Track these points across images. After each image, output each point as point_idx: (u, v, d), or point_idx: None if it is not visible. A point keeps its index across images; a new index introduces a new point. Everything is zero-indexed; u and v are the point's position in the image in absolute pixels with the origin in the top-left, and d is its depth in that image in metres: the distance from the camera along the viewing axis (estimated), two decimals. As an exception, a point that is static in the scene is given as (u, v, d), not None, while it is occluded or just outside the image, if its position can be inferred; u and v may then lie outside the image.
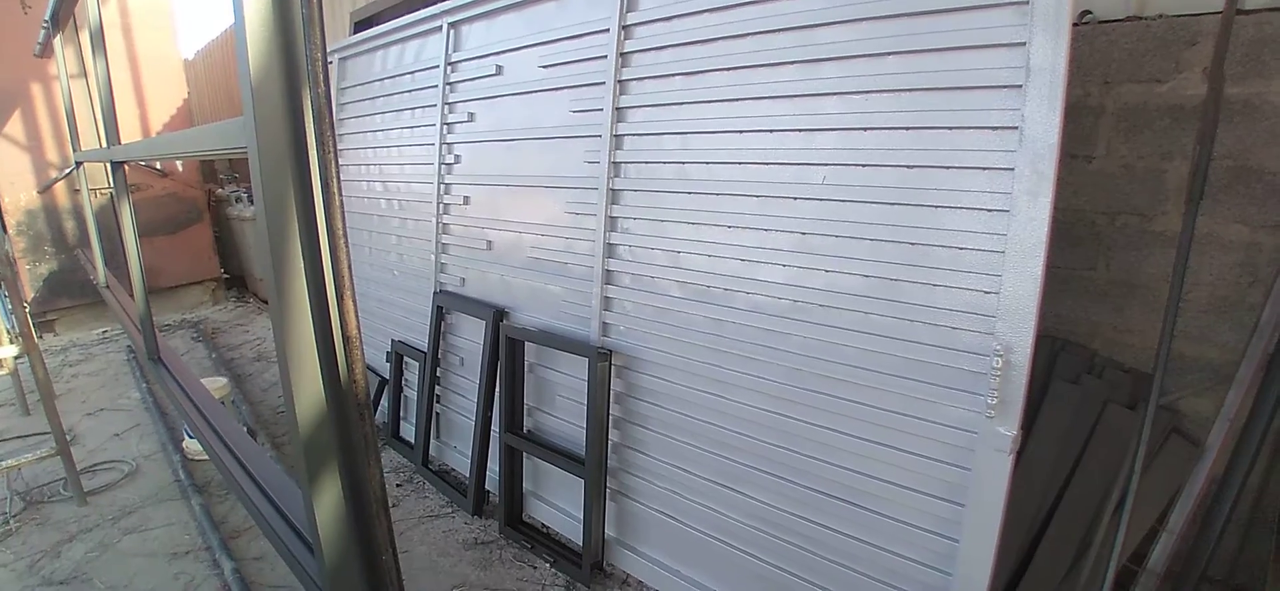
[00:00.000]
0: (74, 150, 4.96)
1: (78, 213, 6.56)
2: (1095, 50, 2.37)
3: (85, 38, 4.15)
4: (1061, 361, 2.49)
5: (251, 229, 7.25)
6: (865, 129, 1.91)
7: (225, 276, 8.06)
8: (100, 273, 5.11)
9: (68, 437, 4.09)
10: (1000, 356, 1.67)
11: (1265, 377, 2.12)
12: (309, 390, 1.19)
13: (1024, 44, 1.61)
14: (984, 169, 1.70)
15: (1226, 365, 2.23)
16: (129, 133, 6.72)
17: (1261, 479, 2.17)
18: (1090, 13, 2.39)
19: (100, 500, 3.41)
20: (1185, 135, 2.23)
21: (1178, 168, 2.27)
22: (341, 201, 1.14)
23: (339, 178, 1.13)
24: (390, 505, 3.22)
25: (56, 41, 4.55)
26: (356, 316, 1.18)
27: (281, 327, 1.16)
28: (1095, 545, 2.29)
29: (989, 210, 1.70)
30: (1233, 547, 2.23)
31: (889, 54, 1.86)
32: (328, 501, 1.23)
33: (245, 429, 3.96)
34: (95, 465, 3.78)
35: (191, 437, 3.76)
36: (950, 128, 1.76)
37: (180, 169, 7.34)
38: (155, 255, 6.92)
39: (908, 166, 1.83)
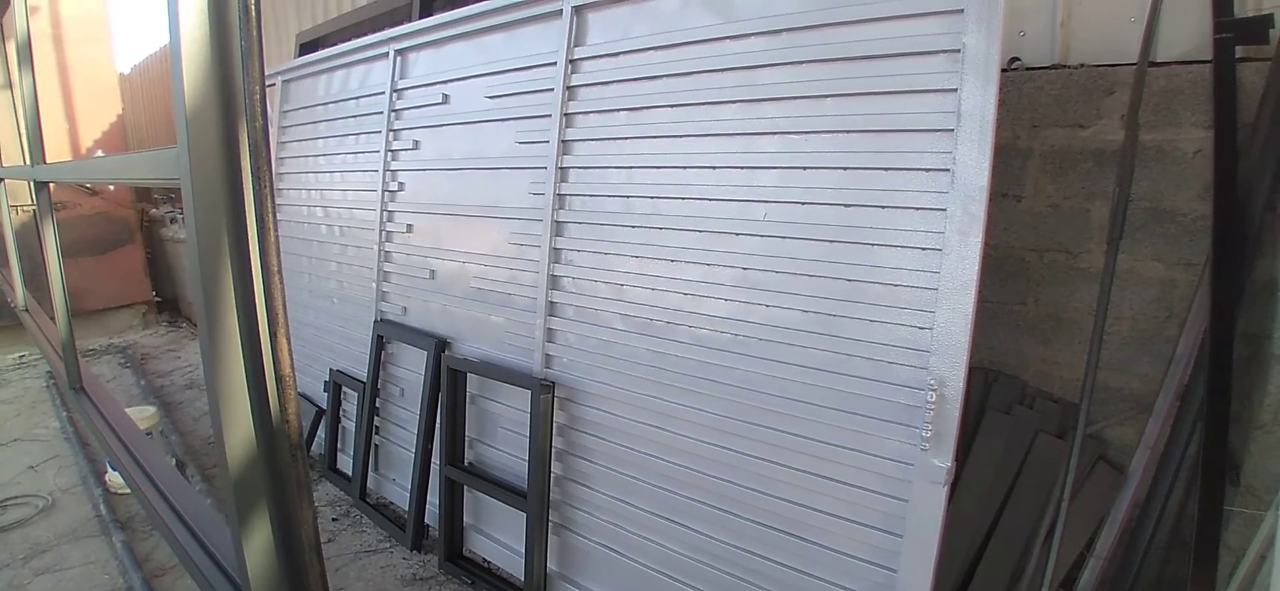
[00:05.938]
0: (-5, 165, 4.75)
1: (-4, 228, 6.24)
2: (1024, 95, 2.48)
3: (12, 49, 3.98)
4: (995, 392, 2.57)
5: (186, 251, 7.01)
6: (804, 168, 1.95)
7: (157, 299, 7.76)
8: (19, 295, 4.87)
9: (-23, 471, 3.88)
10: (934, 390, 1.71)
11: (1181, 408, 2.24)
12: (240, 430, 1.15)
13: (955, 90, 1.67)
14: (918, 209, 1.75)
15: (1147, 395, 2.33)
16: (57, 149, 6.43)
17: (1180, 503, 2.26)
18: (1018, 60, 2.51)
19: (11, 538, 3.22)
20: (1106, 177, 2.34)
21: (1100, 208, 2.38)
22: (277, 237, 1.12)
23: (274, 213, 1.11)
24: (326, 540, 3.13)
25: (-20, 53, 4.36)
26: (290, 355, 1.15)
27: (212, 365, 1.13)
28: (1028, 572, 2.36)
29: (923, 249, 1.75)
30: (1155, 570, 2.32)
31: (827, 96, 1.91)
32: (258, 545, 1.19)
33: (174, 461, 3.81)
34: (6, 500, 3.56)
35: (115, 469, 3.59)
36: (886, 169, 1.81)
37: (112, 187, 7.06)
38: (83, 276, 6.61)
39: (845, 205, 1.88)
